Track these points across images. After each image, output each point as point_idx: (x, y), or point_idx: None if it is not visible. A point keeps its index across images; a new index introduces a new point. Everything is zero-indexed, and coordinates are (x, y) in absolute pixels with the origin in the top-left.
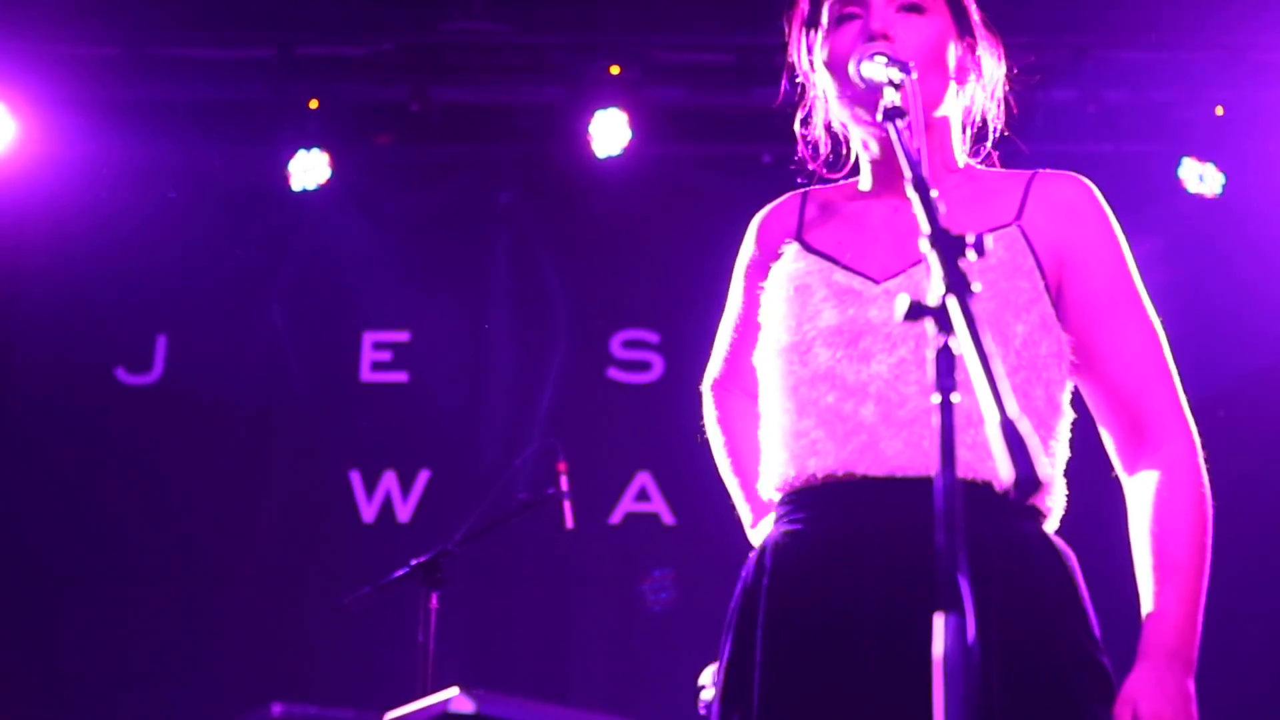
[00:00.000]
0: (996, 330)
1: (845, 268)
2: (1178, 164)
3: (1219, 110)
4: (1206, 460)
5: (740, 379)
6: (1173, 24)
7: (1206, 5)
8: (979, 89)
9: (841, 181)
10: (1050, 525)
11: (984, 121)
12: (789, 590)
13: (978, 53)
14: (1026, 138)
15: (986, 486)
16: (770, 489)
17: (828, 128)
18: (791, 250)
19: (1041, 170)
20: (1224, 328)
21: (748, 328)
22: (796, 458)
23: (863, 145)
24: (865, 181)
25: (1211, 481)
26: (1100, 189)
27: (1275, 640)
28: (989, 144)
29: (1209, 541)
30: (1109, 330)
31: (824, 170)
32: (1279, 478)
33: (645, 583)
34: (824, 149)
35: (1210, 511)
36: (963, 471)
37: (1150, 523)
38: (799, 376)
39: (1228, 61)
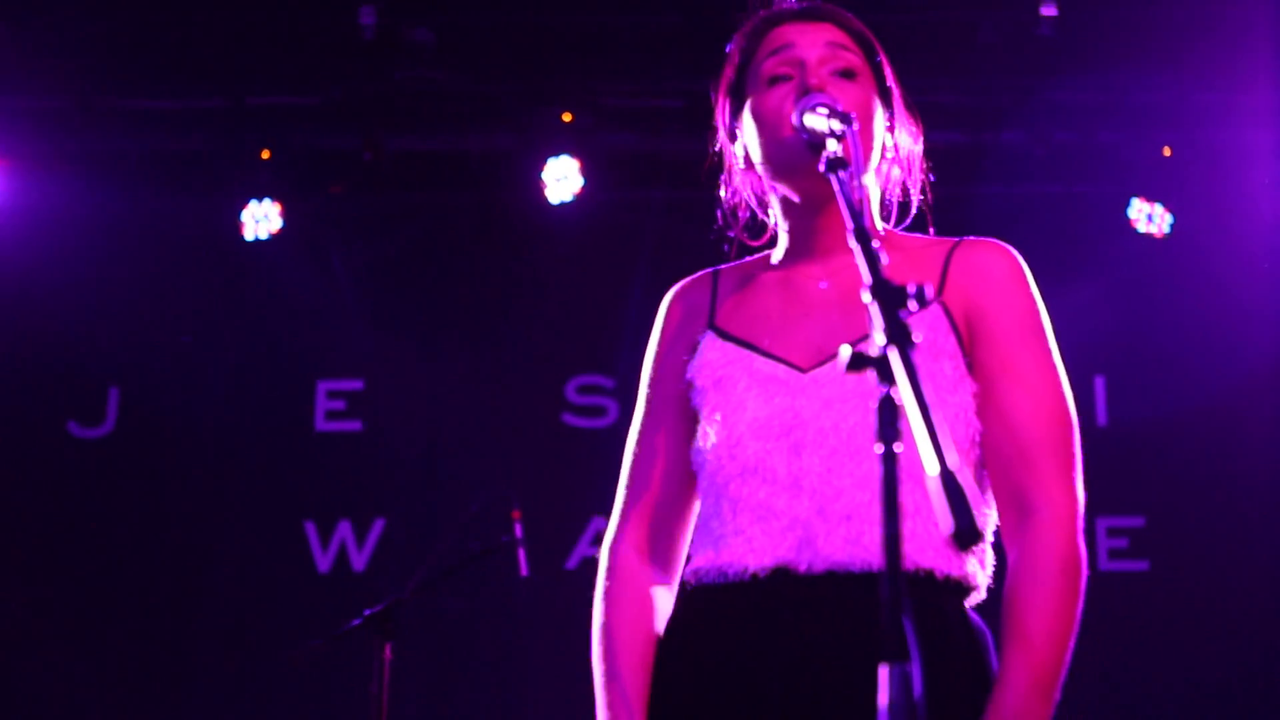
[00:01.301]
0: None
1: (766, 354)
2: (1127, 204)
3: (1166, 151)
4: (1150, 498)
5: (653, 531)
6: (1120, 65)
7: (1152, 47)
8: (896, 166)
9: (752, 257)
10: (976, 598)
11: (904, 198)
12: (702, 679)
13: (896, 131)
14: (977, 179)
15: (918, 573)
16: (693, 578)
17: (745, 197)
18: (707, 340)
19: (966, 239)
20: (1173, 366)
21: (658, 443)
22: (729, 551)
23: (783, 211)
24: (780, 253)
25: (1167, 512)
26: (1050, 229)
27: None
28: (908, 221)
29: (1072, 613)
30: (1001, 394)
31: (745, 237)
32: (1225, 512)
33: None
34: (739, 216)
35: (1080, 583)
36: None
37: (1007, 590)
38: (729, 471)
39: (1174, 102)
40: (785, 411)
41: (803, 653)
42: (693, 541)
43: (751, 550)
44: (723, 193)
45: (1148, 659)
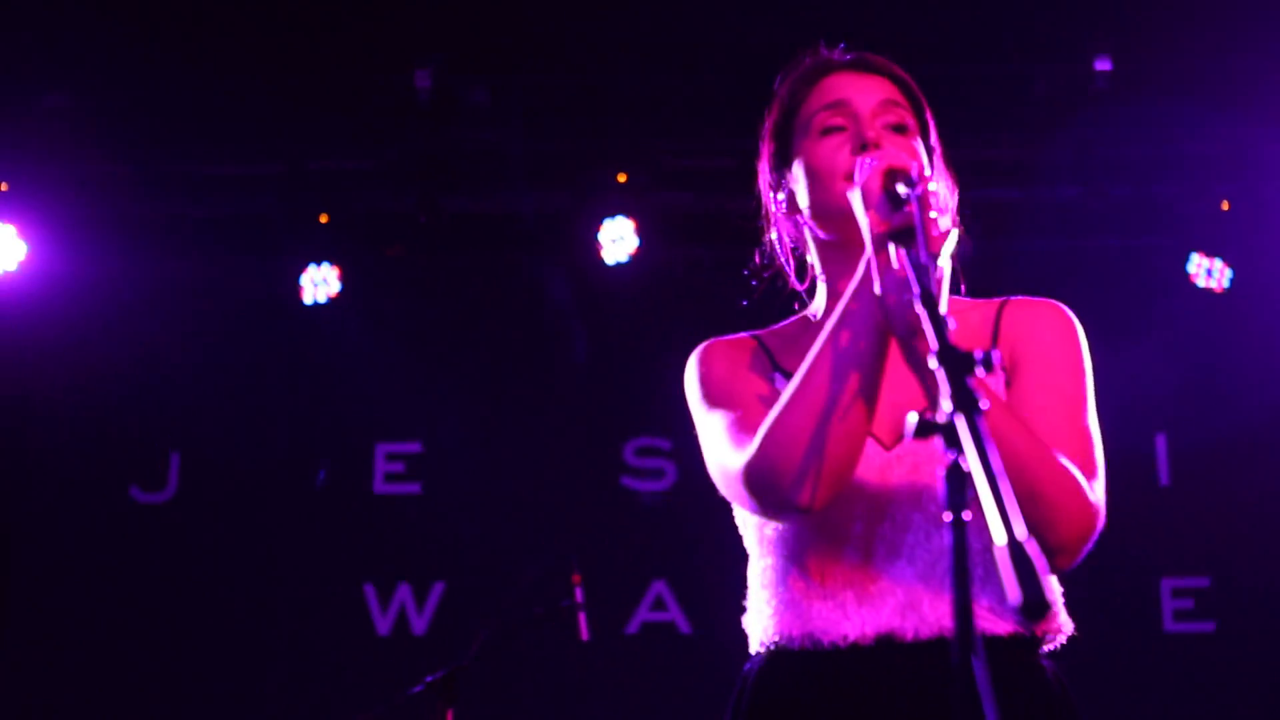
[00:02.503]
0: None
1: None
2: (1186, 259)
3: (1225, 204)
4: (1215, 557)
5: None
6: (1176, 119)
7: (1209, 100)
8: None
9: (787, 321)
10: (1056, 643)
11: None
12: None
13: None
14: (1032, 234)
15: (1013, 638)
16: (776, 642)
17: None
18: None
19: (1014, 297)
20: (1236, 422)
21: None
22: (821, 619)
23: (823, 261)
24: (819, 307)
25: (1233, 572)
26: (1107, 285)
27: None
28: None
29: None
30: (1022, 398)
31: (796, 284)
32: None
33: None
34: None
35: (1089, 523)
36: (992, 627)
37: None
38: (811, 535)
39: (1232, 155)
40: (873, 482)
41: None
42: (763, 601)
43: (847, 618)
44: (769, 236)
45: (1211, 717)
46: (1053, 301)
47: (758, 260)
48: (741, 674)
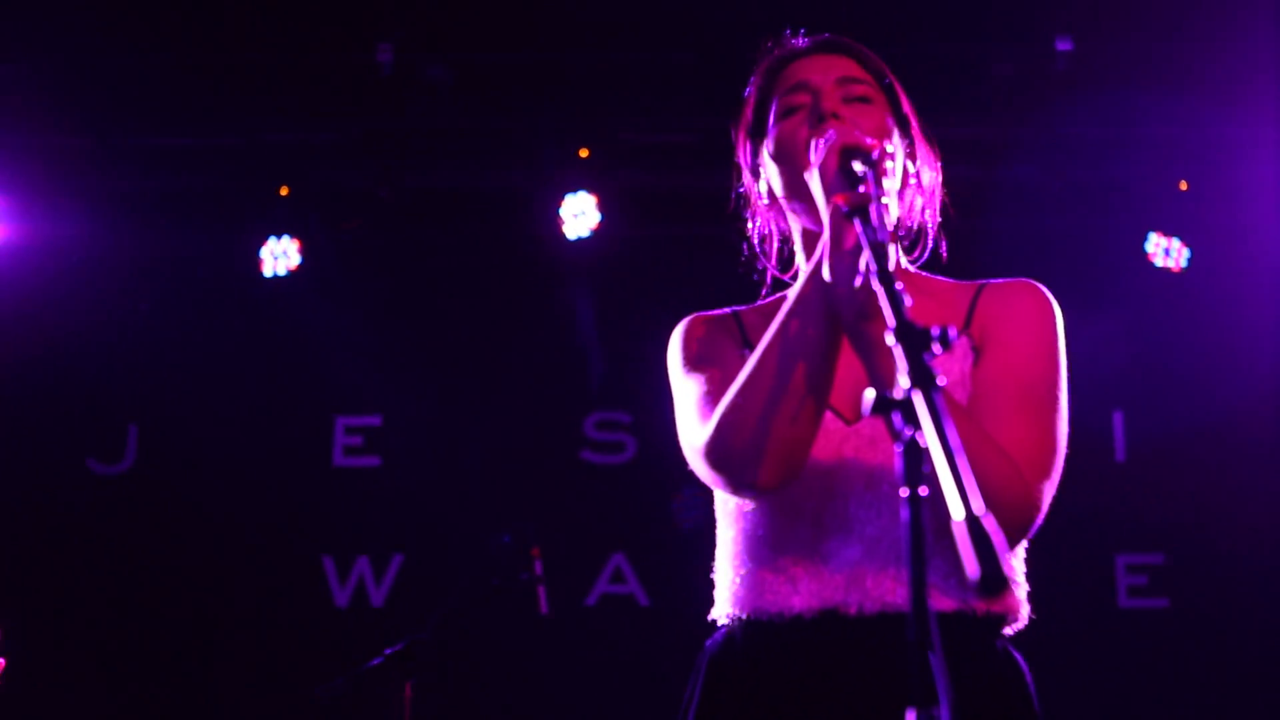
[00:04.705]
0: None
1: None
2: (1144, 238)
3: (1183, 185)
4: (1170, 534)
5: None
6: (1136, 100)
7: (1167, 80)
8: (917, 194)
9: (768, 298)
10: (1017, 627)
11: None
12: (753, 713)
13: (917, 159)
14: (990, 214)
15: (963, 611)
16: (737, 609)
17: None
18: None
19: (993, 280)
20: (1192, 400)
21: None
22: (771, 592)
23: (804, 243)
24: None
25: (1187, 548)
26: (1065, 264)
27: None
28: (925, 250)
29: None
30: (989, 364)
31: (776, 269)
32: (1247, 547)
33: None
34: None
35: (1024, 522)
36: (937, 604)
37: None
38: (769, 508)
39: (1190, 136)
40: (829, 458)
41: (850, 693)
42: (724, 574)
43: (796, 593)
44: (750, 226)
45: (1168, 700)
46: (1030, 283)
47: (746, 252)
48: (704, 648)
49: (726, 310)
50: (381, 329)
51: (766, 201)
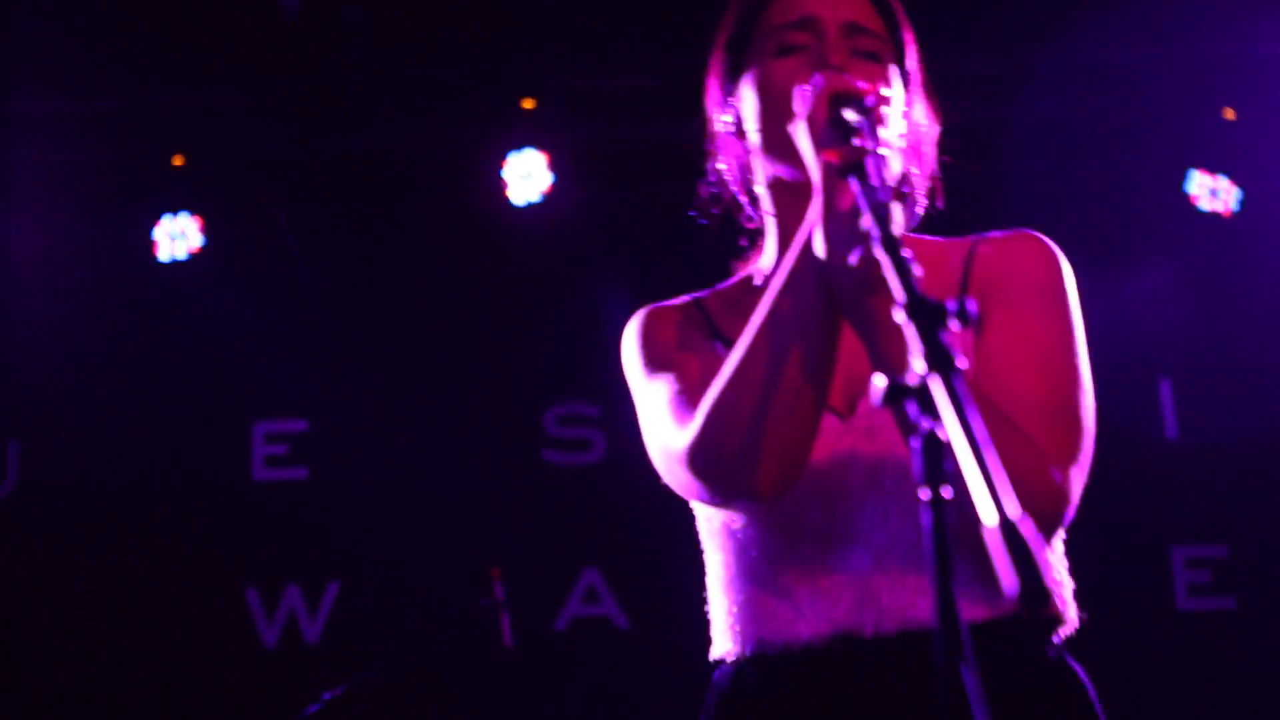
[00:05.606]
0: None
1: None
2: (1184, 178)
3: (1229, 113)
4: (1234, 523)
5: None
6: (1166, 15)
7: None
8: (913, 153)
9: (730, 280)
10: (1066, 631)
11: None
12: None
13: (915, 114)
14: (1005, 157)
15: (993, 623)
16: (736, 645)
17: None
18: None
19: (987, 235)
20: (1252, 365)
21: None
22: (775, 621)
23: (774, 198)
24: (768, 260)
25: (1254, 540)
26: (1095, 212)
27: None
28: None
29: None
30: (995, 345)
31: (748, 221)
32: None
33: None
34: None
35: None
36: (967, 614)
37: None
38: (763, 523)
39: (1235, 57)
40: (824, 458)
41: None
42: (718, 603)
43: (801, 617)
44: (715, 164)
45: (1234, 710)
46: (1029, 233)
47: (703, 194)
48: (712, 683)
49: (686, 298)
50: (301, 319)
51: (734, 134)
